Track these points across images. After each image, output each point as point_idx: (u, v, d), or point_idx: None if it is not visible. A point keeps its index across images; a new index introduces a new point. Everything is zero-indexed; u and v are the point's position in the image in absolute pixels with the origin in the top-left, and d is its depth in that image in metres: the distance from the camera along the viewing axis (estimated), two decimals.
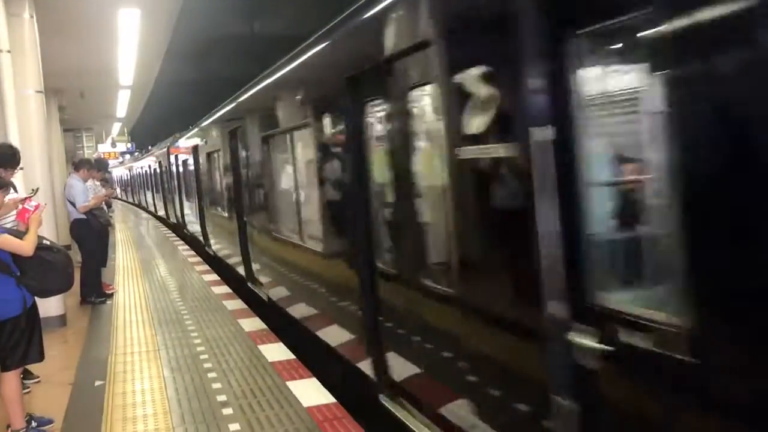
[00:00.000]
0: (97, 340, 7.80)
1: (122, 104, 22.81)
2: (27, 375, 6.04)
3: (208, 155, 13.11)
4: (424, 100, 3.93)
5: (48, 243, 5.13)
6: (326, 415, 5.03)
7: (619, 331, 2.54)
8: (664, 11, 2.21)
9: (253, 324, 7.99)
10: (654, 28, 2.27)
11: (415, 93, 4.00)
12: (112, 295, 10.23)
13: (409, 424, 4.46)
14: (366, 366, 5.12)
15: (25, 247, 4.82)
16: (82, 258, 9.95)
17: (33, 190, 6.08)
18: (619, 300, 2.62)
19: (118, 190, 45.53)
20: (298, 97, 6.52)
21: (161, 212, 24.62)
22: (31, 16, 8.77)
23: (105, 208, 11.53)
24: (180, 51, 19.18)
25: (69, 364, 6.79)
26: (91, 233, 9.81)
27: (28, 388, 6.00)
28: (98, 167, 10.90)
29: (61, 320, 8.58)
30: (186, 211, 17.73)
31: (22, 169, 6.32)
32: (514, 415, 3.25)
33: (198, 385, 5.86)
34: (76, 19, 10.86)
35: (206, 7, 17.69)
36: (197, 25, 18.28)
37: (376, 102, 4.54)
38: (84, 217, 9.66)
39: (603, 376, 2.66)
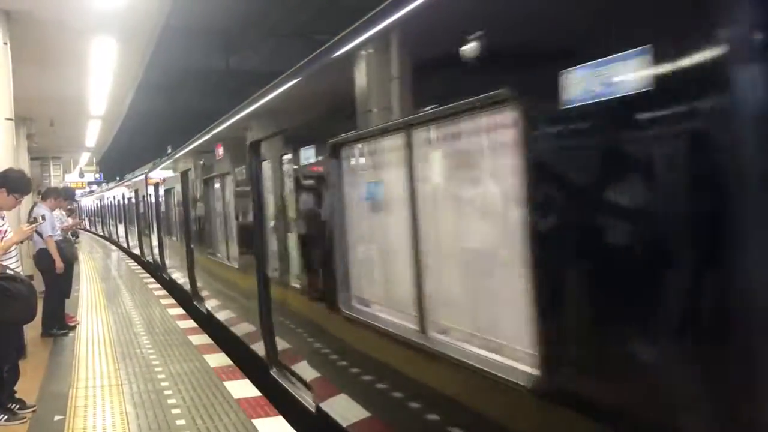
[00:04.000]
0: (57, 373, 7.62)
1: (92, 134, 22.59)
2: None
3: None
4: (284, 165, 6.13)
5: (12, 273, 5.05)
6: None
7: None
8: None
9: (218, 360, 7.88)
10: None
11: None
12: (74, 327, 10.03)
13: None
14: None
15: None
16: (46, 289, 9.74)
17: (34, 218, 6.04)
18: None
19: (88, 222, 44.52)
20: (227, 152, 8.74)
21: None
22: (5, 43, 8.69)
23: (71, 238, 11.34)
24: (154, 82, 19.15)
25: (28, 398, 6.57)
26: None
27: None
28: (65, 196, 10.77)
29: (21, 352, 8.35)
30: None
31: None
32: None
33: (162, 422, 5.75)
34: (51, 46, 10.79)
35: (183, 40, 17.73)
36: (173, 58, 18.29)
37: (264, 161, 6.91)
38: None
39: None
